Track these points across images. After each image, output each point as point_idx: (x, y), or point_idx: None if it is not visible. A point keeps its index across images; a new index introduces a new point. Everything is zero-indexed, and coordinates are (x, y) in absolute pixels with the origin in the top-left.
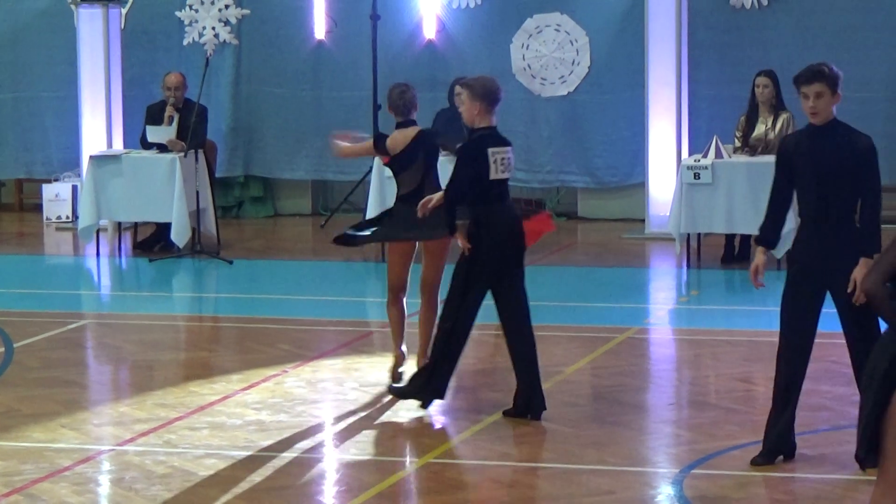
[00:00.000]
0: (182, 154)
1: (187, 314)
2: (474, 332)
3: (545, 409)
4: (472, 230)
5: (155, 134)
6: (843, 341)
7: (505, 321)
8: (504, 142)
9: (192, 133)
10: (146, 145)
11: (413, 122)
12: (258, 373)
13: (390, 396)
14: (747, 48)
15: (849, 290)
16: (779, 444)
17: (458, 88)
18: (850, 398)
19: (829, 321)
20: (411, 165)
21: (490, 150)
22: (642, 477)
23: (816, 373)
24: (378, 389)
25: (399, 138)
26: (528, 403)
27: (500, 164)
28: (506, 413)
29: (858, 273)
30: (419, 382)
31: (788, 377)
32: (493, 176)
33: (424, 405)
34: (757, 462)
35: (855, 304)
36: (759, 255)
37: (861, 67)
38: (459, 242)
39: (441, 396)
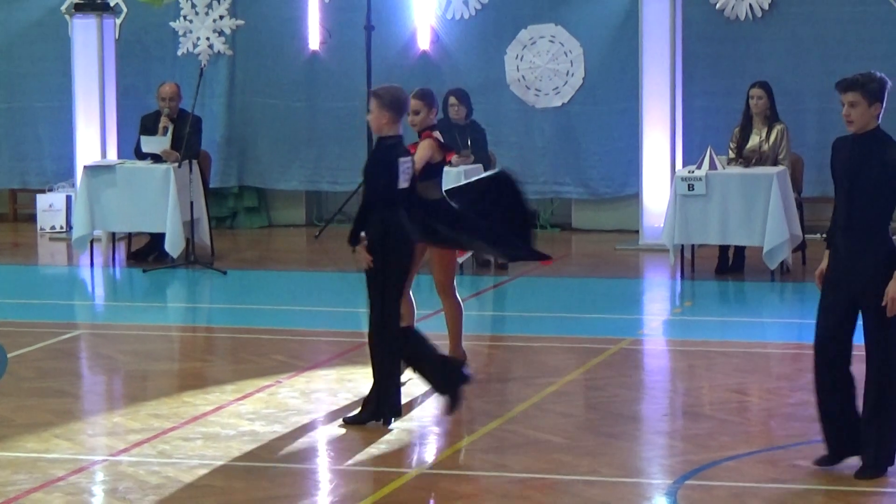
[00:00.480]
0: (176, 164)
1: (181, 325)
2: (468, 343)
3: (399, 415)
4: (379, 239)
5: (149, 144)
6: None
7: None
8: (407, 152)
9: (187, 144)
10: (140, 155)
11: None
12: (252, 383)
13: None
14: (741, 60)
15: (883, 304)
16: (839, 449)
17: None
18: None
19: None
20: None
21: (400, 160)
22: (636, 488)
23: (811, 384)
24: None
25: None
26: (379, 408)
27: (404, 173)
28: (346, 420)
29: (892, 287)
30: (372, 406)
31: (820, 387)
32: (400, 185)
33: (386, 423)
34: (818, 462)
35: (885, 318)
36: (824, 260)
37: None
38: (359, 256)
39: (399, 413)
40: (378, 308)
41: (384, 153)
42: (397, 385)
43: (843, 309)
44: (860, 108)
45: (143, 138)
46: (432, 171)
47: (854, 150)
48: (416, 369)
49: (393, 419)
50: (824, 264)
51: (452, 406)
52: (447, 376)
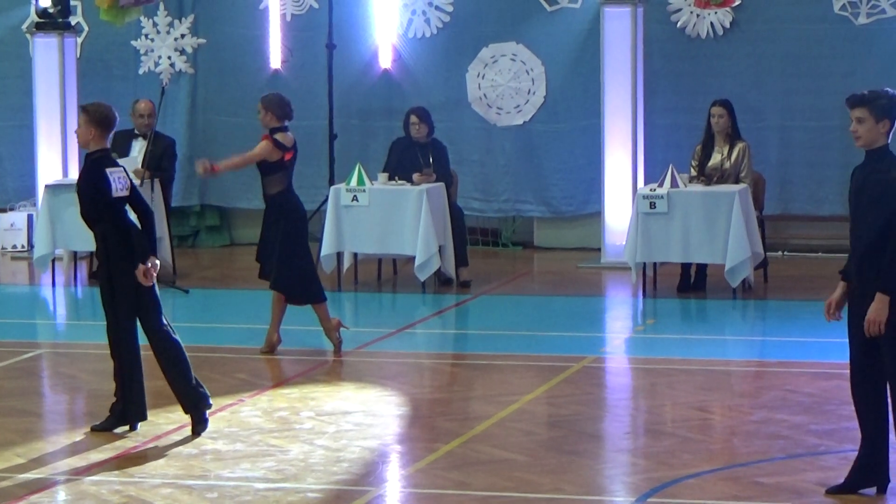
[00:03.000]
0: (138, 182)
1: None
2: (430, 362)
3: (145, 418)
4: (103, 252)
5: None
6: (800, 371)
7: (149, 333)
8: (116, 163)
9: (159, 166)
10: None
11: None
12: (214, 402)
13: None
14: (703, 77)
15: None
16: (855, 477)
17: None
18: (807, 427)
19: (787, 350)
20: (293, 166)
21: (108, 171)
22: None
23: (774, 401)
24: (335, 418)
25: (286, 139)
26: (125, 412)
27: (118, 182)
28: (94, 428)
29: (871, 308)
30: (118, 411)
31: (859, 418)
32: (115, 194)
33: (133, 427)
34: (830, 490)
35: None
36: (837, 289)
37: (815, 97)
38: (144, 274)
39: (145, 417)
40: (113, 316)
41: (92, 168)
42: (140, 389)
43: (866, 340)
44: (867, 125)
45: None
46: (272, 167)
47: (862, 171)
48: (170, 382)
49: (139, 423)
50: (836, 294)
51: (197, 428)
52: (195, 399)
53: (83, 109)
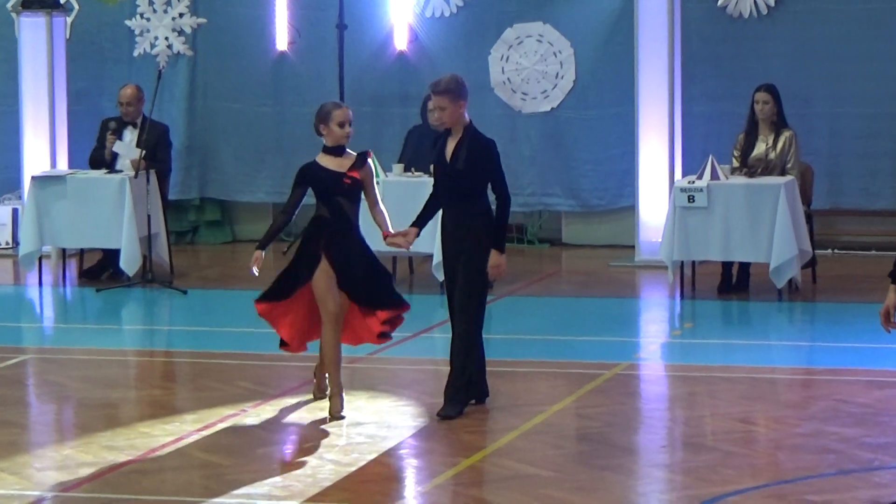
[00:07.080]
0: (132, 174)
1: (138, 348)
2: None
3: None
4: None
5: (122, 147)
6: (852, 379)
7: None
8: None
9: (156, 158)
10: (95, 165)
11: None
12: (215, 412)
13: (359, 435)
14: (746, 61)
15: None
16: None
17: (432, 102)
18: (859, 440)
19: (838, 356)
20: None
21: None
22: None
23: (823, 412)
24: (344, 430)
25: None
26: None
27: None
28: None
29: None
30: (463, 393)
31: None
32: None
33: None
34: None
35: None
36: (889, 294)
37: (867, 81)
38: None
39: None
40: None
41: (484, 136)
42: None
43: None
44: None
45: (119, 143)
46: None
47: None
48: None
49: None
50: (890, 299)
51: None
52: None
53: (439, 92)
